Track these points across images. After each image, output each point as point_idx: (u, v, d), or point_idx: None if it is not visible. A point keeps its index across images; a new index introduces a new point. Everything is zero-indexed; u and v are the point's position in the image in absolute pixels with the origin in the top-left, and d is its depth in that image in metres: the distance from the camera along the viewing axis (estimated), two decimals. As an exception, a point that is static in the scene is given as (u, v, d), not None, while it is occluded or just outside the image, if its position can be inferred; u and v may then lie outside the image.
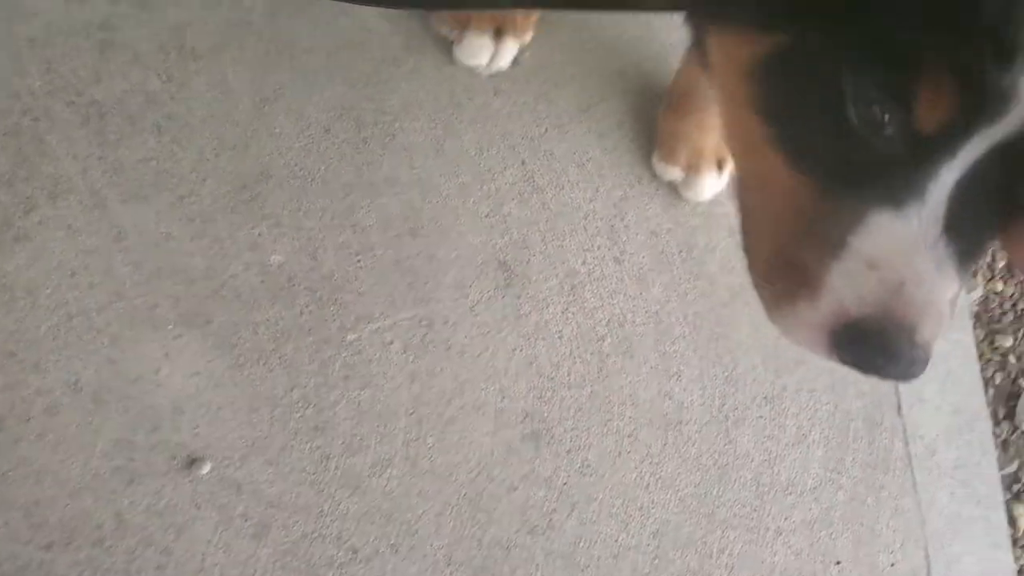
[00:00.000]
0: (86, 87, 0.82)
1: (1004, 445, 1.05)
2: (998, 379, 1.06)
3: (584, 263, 0.91)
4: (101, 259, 0.81)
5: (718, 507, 0.90)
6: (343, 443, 0.83)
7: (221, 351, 0.82)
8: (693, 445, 0.91)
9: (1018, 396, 1.06)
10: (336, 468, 0.83)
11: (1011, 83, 0.37)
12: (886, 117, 0.40)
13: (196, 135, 0.84)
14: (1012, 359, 1.06)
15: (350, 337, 0.84)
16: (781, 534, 0.92)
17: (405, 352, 0.85)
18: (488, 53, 0.88)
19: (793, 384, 0.94)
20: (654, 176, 0.94)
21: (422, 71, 0.89)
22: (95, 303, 0.80)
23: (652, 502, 0.89)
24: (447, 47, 0.89)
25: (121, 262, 0.81)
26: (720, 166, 0.91)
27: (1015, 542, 1.02)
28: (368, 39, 0.88)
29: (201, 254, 0.83)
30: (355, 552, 0.82)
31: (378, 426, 0.84)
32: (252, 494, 0.81)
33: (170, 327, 0.82)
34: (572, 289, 0.90)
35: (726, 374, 0.93)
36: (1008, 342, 1.06)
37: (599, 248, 0.92)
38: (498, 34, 0.88)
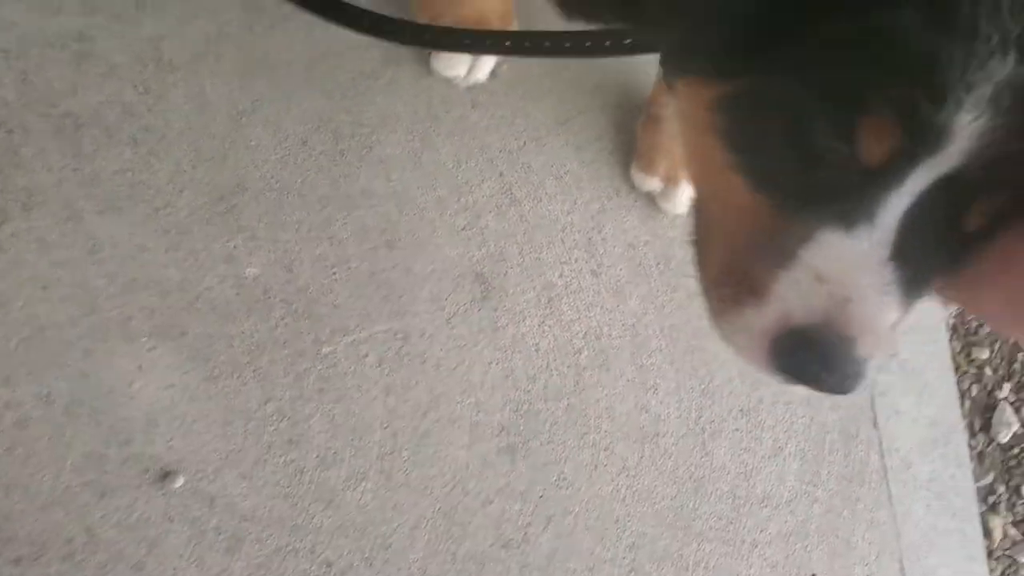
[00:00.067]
0: (61, 99, 0.82)
1: (980, 457, 1.05)
2: (974, 391, 1.06)
3: (561, 276, 0.91)
4: (74, 271, 0.81)
5: (694, 520, 0.91)
6: (317, 456, 0.83)
7: (195, 363, 0.82)
8: (669, 458, 0.91)
9: (994, 408, 1.06)
10: (310, 481, 0.83)
11: (946, 120, 0.39)
12: (836, 152, 0.42)
13: (173, 147, 0.84)
14: (988, 371, 1.07)
15: (325, 350, 0.84)
16: (757, 546, 0.92)
17: (380, 365, 0.85)
18: (466, 65, 0.89)
19: (769, 397, 0.94)
20: (632, 188, 0.94)
21: (400, 83, 0.89)
22: (68, 316, 0.80)
23: (628, 515, 0.89)
24: (425, 59, 0.89)
25: (95, 274, 0.81)
26: (697, 179, 0.91)
27: (990, 554, 1.02)
28: (346, 52, 0.88)
29: (176, 266, 0.83)
30: (329, 566, 0.82)
31: (352, 439, 0.84)
32: (225, 507, 0.81)
33: (144, 339, 0.81)
34: (549, 302, 0.90)
35: (703, 387, 0.93)
36: (985, 354, 1.07)
37: (576, 261, 0.92)
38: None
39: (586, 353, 0.90)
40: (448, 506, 0.85)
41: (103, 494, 0.78)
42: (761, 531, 0.92)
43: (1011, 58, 0.38)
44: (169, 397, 0.81)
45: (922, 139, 0.40)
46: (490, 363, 0.88)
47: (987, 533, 1.02)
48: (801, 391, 0.58)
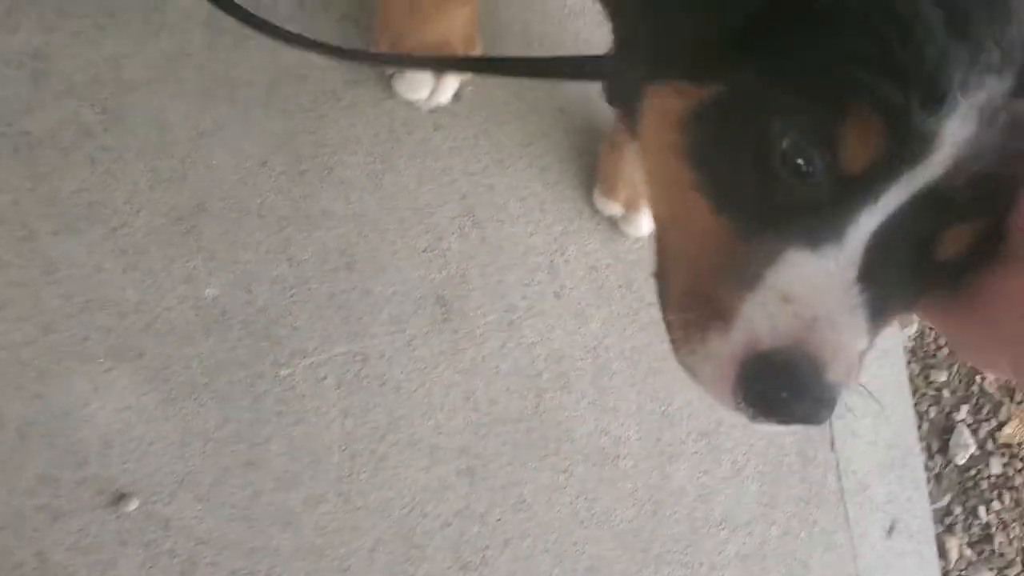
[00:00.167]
0: (17, 117, 0.81)
1: (937, 479, 1.07)
2: (932, 413, 1.08)
3: (524, 298, 0.92)
4: (30, 292, 0.80)
5: (652, 542, 0.91)
6: (275, 478, 0.83)
7: (153, 385, 0.82)
8: (629, 480, 0.91)
9: (952, 430, 1.08)
10: (268, 504, 0.82)
11: (935, 126, 0.38)
12: (813, 159, 0.41)
13: (130, 167, 0.83)
14: (946, 393, 1.08)
15: (284, 372, 0.84)
16: (715, 569, 0.93)
17: (339, 387, 0.85)
18: (429, 88, 0.89)
19: (728, 419, 0.95)
20: (595, 211, 0.95)
21: (361, 105, 0.89)
22: (22, 337, 0.79)
23: (587, 538, 0.89)
24: (387, 81, 0.89)
25: (51, 295, 0.80)
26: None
27: (946, 575, 1.04)
28: (307, 72, 0.88)
29: (134, 287, 0.82)
30: (285, 589, 0.82)
31: (311, 462, 0.84)
32: (180, 530, 0.80)
33: (100, 360, 0.81)
34: (511, 324, 0.91)
35: (663, 409, 0.93)
36: (943, 376, 1.08)
37: (539, 283, 0.92)
38: (439, 69, 0.89)
39: (547, 375, 0.91)
40: (406, 528, 0.85)
41: (56, 517, 0.78)
42: (719, 553, 0.93)
43: (1008, 78, 0.38)
44: (125, 419, 0.81)
45: (908, 144, 0.39)
46: (450, 386, 0.88)
47: (943, 554, 1.04)
48: (767, 428, 0.57)
